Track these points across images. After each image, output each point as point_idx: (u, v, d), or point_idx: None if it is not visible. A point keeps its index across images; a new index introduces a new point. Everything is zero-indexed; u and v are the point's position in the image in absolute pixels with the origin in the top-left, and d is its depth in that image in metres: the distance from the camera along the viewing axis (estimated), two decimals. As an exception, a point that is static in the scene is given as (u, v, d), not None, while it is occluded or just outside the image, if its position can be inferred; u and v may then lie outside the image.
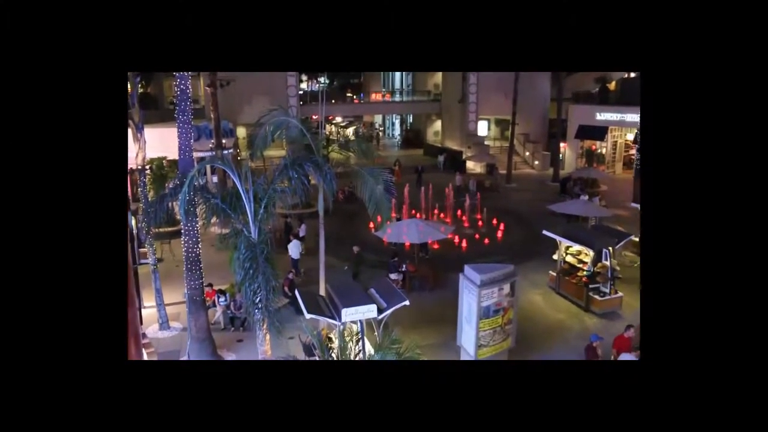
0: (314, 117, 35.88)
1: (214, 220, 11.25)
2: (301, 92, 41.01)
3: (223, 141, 26.13)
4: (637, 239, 19.30)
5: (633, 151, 31.54)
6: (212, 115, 25.13)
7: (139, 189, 16.72)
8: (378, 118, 58.12)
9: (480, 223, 23.08)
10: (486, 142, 39.37)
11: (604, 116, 33.61)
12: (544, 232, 17.02)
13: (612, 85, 37.01)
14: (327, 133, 45.85)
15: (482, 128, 40.98)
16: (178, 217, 11.71)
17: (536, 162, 37.39)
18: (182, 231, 12.75)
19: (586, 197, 24.53)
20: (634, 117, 29.16)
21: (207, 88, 25.78)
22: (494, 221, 22.82)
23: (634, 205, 22.51)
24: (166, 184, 21.84)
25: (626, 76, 35.53)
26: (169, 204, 11.78)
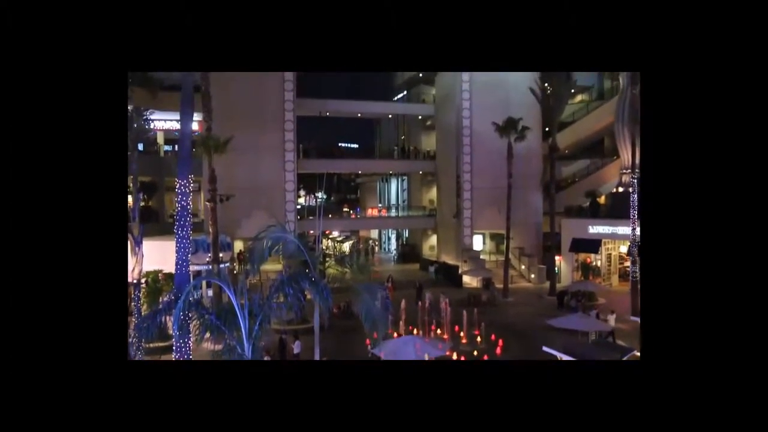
0: (311, 232, 36.38)
1: (207, 335, 11.01)
2: (298, 207, 41.84)
3: (221, 255, 26.24)
4: (639, 354, 18.86)
5: (627, 263, 31.71)
6: (210, 229, 25.45)
7: (132, 303, 16.52)
8: (374, 233, 58.89)
9: (478, 339, 22.63)
10: (482, 256, 39.62)
11: (596, 229, 34.18)
12: (544, 348, 16.65)
13: (602, 199, 37.99)
14: (324, 247, 46.19)
15: (477, 242, 41.43)
16: (171, 332, 11.46)
17: (532, 275, 37.44)
18: (174, 347, 12.43)
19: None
20: (625, 230, 29.63)
21: (207, 202, 26.34)
22: (492, 337, 22.39)
23: (633, 318, 22.22)
24: (160, 299, 21.62)
25: (615, 190, 36.58)
26: (162, 319, 11.59)
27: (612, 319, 23.04)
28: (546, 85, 34.97)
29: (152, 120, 25.43)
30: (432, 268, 39.25)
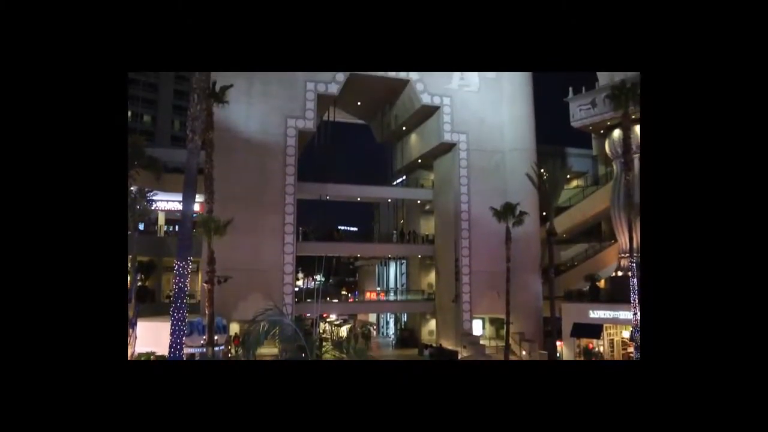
0: (308, 315, 35.94)
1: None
2: (296, 289, 41.53)
3: (216, 337, 25.75)
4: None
5: (631, 349, 31.07)
6: (207, 311, 25.13)
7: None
8: (373, 317, 58.13)
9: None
10: (481, 342, 38.89)
11: (597, 314, 33.76)
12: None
13: (601, 283, 37.80)
14: (321, 331, 45.46)
15: (477, 327, 40.80)
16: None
17: (534, 361, 36.60)
18: None
19: None
20: (626, 314, 29.29)
21: (205, 284, 26.17)
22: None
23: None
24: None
25: (614, 273, 36.49)
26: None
27: None
28: (542, 170, 35.77)
29: (155, 201, 25.77)
30: (426, 352, 38.42)
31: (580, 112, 38.59)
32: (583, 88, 38.58)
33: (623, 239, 34.87)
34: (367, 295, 53.05)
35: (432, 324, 45.18)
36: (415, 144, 45.28)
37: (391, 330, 54.91)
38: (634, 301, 27.14)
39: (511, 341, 33.98)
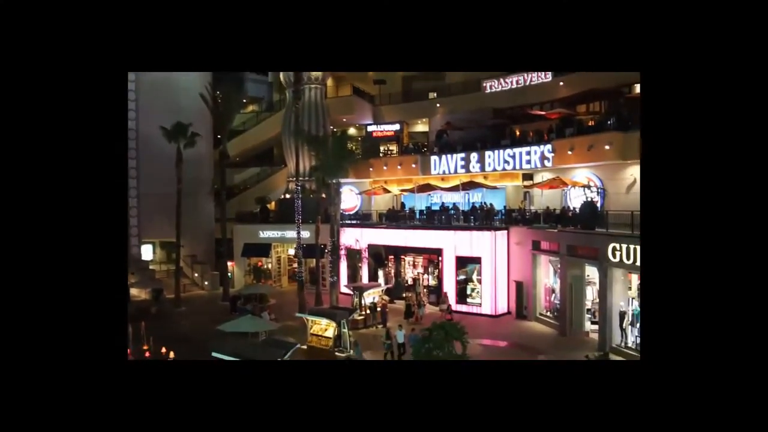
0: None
1: None
2: None
3: None
4: (304, 347, 20.39)
5: (295, 265, 34.06)
6: None
7: None
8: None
9: (147, 353, 21.41)
10: (151, 267, 37.57)
11: (266, 234, 35.84)
12: (213, 353, 16.72)
13: (272, 205, 40.02)
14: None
15: (147, 252, 39.16)
16: None
17: (206, 282, 37.12)
18: None
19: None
20: (292, 233, 31.82)
21: None
22: (163, 350, 21.44)
23: (299, 315, 24.05)
24: None
25: (283, 196, 38.97)
26: None
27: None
28: (218, 92, 35.17)
29: None
30: None
31: (255, 35, 38.71)
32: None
33: (292, 164, 37.15)
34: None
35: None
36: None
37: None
38: (299, 221, 29.56)
39: (182, 264, 33.68)
